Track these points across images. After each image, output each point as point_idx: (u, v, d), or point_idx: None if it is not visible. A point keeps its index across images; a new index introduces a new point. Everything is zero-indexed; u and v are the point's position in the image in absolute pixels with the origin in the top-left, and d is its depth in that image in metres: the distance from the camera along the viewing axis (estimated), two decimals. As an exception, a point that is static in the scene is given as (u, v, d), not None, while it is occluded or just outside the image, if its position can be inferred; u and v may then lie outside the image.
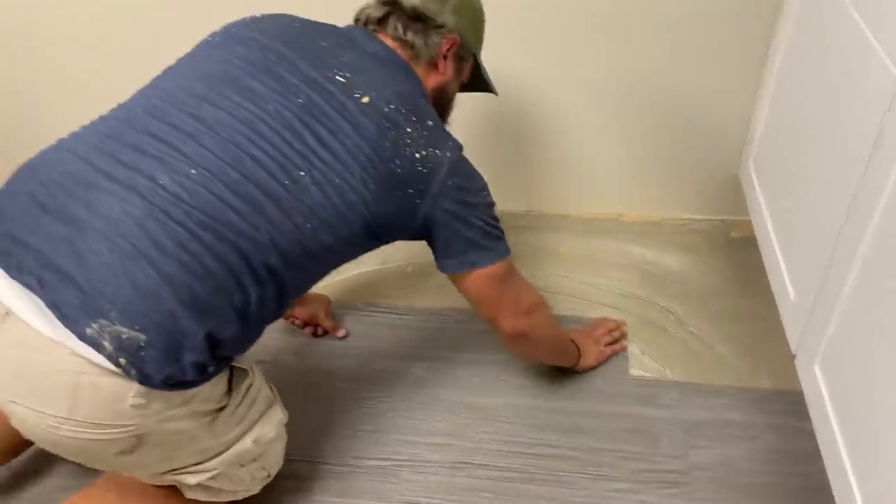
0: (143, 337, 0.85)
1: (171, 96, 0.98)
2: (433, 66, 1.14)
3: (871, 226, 0.92)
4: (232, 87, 0.98)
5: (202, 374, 0.92)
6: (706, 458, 1.24)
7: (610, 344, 1.44)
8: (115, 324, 0.84)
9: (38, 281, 0.85)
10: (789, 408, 1.30)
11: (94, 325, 0.83)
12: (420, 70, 1.13)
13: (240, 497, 1.12)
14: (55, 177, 0.90)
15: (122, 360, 0.85)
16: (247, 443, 1.04)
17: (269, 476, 1.14)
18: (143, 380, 0.86)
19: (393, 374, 1.41)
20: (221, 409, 1.00)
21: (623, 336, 1.46)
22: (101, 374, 0.85)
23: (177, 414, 0.93)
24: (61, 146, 0.95)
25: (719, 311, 1.51)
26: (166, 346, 0.86)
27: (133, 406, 0.88)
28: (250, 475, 1.10)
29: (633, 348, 1.44)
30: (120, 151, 0.92)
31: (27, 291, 0.85)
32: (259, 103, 0.97)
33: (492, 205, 1.13)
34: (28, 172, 0.93)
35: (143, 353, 0.85)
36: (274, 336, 1.48)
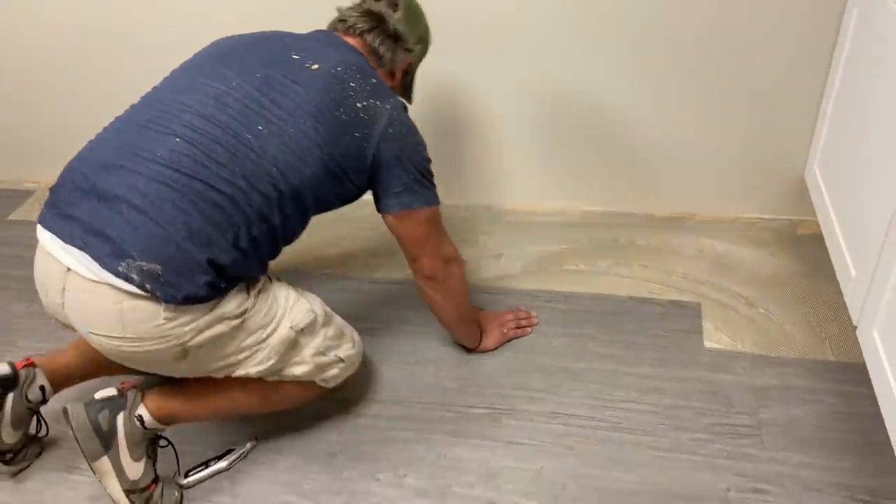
0: (158, 268, 1.11)
1: (165, 93, 1.26)
2: (391, 75, 1.42)
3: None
4: (207, 75, 1.26)
5: (215, 291, 1.16)
6: (774, 416, 1.40)
7: (515, 329, 1.62)
8: (137, 261, 1.10)
9: (83, 243, 1.13)
10: (851, 377, 1.45)
11: (123, 265, 1.10)
12: (380, 73, 1.37)
13: (330, 384, 1.35)
14: (88, 168, 1.19)
15: (148, 286, 1.11)
16: (284, 330, 1.25)
17: (339, 360, 1.34)
18: (168, 299, 1.12)
19: (492, 343, 1.62)
20: (244, 314, 1.21)
21: (530, 325, 1.64)
22: (136, 298, 1.12)
23: (206, 322, 1.17)
24: (90, 146, 1.23)
25: (787, 295, 1.67)
26: (178, 271, 1.12)
27: (166, 319, 1.13)
28: (314, 361, 1.30)
29: (708, 325, 1.61)
30: (130, 142, 1.19)
31: (77, 251, 1.13)
32: (225, 83, 1.23)
33: (428, 159, 1.36)
34: (71, 167, 1.22)
35: (162, 280, 1.11)
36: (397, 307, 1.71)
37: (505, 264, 1.84)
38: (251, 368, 1.25)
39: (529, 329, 1.64)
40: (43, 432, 1.44)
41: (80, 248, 1.13)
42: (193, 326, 1.16)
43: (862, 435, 1.35)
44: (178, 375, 1.26)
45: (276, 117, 1.21)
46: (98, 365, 1.40)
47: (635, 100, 1.80)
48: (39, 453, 1.44)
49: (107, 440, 1.23)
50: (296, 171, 1.22)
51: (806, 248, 1.79)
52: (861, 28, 1.47)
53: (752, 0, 1.60)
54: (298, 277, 1.80)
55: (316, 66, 1.26)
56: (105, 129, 1.26)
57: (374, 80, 1.30)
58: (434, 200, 1.37)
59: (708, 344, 1.56)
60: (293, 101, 1.23)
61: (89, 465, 1.24)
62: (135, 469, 1.26)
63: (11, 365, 1.35)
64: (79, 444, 1.22)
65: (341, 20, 1.39)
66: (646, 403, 1.45)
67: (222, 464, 1.38)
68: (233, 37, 1.36)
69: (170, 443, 1.35)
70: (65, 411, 1.23)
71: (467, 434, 1.41)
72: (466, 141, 1.95)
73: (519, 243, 1.90)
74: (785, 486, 1.28)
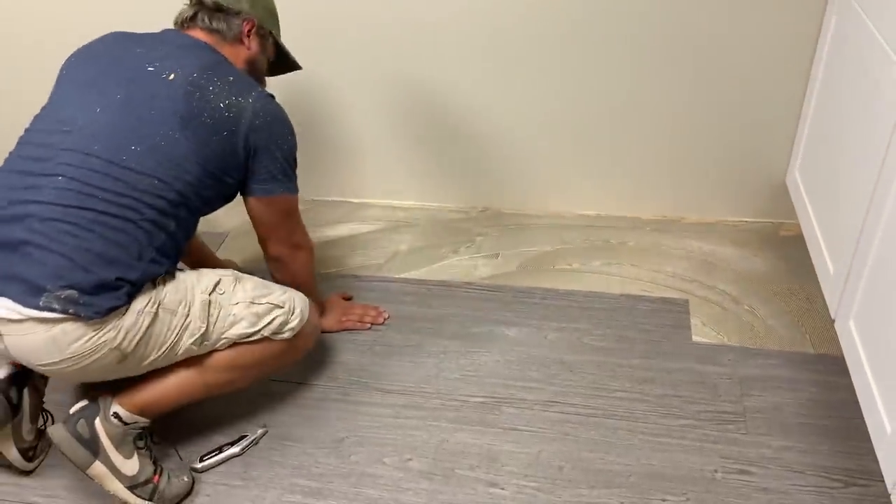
0: (74, 293, 1.19)
1: (39, 136, 1.32)
2: (240, 42, 1.47)
3: (886, 210, 1.20)
4: (74, 107, 1.32)
5: (130, 296, 1.25)
6: (758, 404, 1.48)
7: (355, 322, 1.73)
8: (54, 292, 1.18)
9: (1, 291, 1.20)
10: (830, 368, 1.54)
11: (43, 298, 1.18)
12: (228, 48, 1.44)
13: (286, 335, 1.40)
14: None
15: (70, 310, 1.19)
16: (199, 297, 1.33)
17: (275, 306, 1.39)
18: (93, 316, 1.20)
19: (490, 337, 1.69)
20: (158, 296, 1.29)
21: (375, 323, 1.73)
22: (63, 322, 1.20)
23: (128, 321, 1.24)
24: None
25: (770, 293, 1.76)
26: (93, 293, 1.20)
27: (95, 331, 1.21)
28: (249, 312, 1.36)
29: (695, 321, 1.69)
30: (17, 191, 1.26)
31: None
32: (90, 113, 1.30)
33: (293, 148, 1.45)
34: None
35: (81, 302, 1.19)
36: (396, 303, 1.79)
37: (501, 263, 1.92)
38: (188, 342, 1.32)
39: (369, 325, 1.73)
40: (50, 422, 1.48)
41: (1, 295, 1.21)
42: (119, 330, 1.24)
43: (839, 421, 1.44)
44: (133, 375, 1.33)
45: (145, 134, 1.29)
46: None
47: (624, 109, 1.89)
48: (50, 445, 1.46)
49: (92, 446, 1.28)
50: (177, 180, 1.31)
51: (788, 249, 1.88)
52: (838, 36, 1.57)
53: (735, 8, 1.70)
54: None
55: (172, 76, 1.33)
56: (5, 160, 1.33)
57: (231, 78, 1.38)
58: (294, 190, 1.48)
59: (696, 338, 1.65)
60: (158, 114, 1.30)
61: (85, 473, 1.29)
62: (129, 466, 1.31)
63: (13, 364, 1.37)
64: (68, 458, 1.28)
65: (177, 19, 1.48)
66: (637, 392, 1.53)
67: (235, 449, 1.44)
68: (87, 50, 1.42)
69: (157, 434, 1.40)
70: (48, 433, 1.29)
71: (469, 421, 1.49)
72: (464, 145, 2.04)
73: (515, 244, 1.99)
74: (768, 467, 1.36)
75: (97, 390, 1.36)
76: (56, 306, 1.18)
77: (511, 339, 1.68)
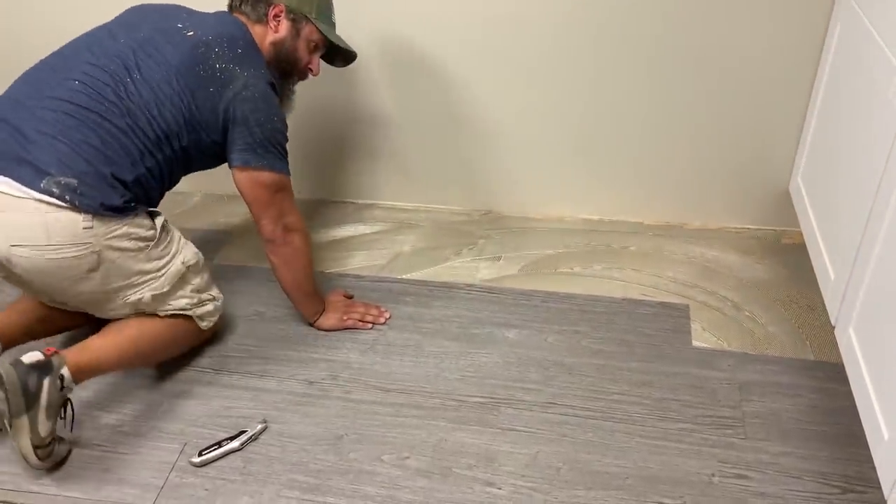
0: (74, 181, 1.34)
1: (71, 48, 1.50)
2: (266, 24, 1.59)
3: (886, 218, 1.20)
4: (106, 35, 1.50)
5: (126, 204, 1.40)
6: (757, 409, 1.48)
7: (357, 321, 1.73)
8: (55, 176, 1.32)
9: (3, 168, 1.34)
10: (830, 374, 1.54)
11: (44, 181, 1.32)
12: (257, 28, 1.58)
13: (204, 322, 1.59)
14: (4, 107, 1.41)
15: (67, 198, 1.33)
16: (177, 264, 1.51)
17: (213, 298, 1.60)
18: (87, 208, 1.34)
19: (490, 338, 1.70)
20: (150, 240, 1.46)
21: (376, 322, 1.74)
22: (59, 209, 1.33)
23: (118, 235, 1.40)
24: (5, 92, 1.45)
25: (771, 299, 1.76)
26: (91, 184, 1.35)
27: (85, 228, 1.35)
28: (195, 295, 1.56)
29: (696, 326, 1.70)
30: (37, 85, 1.44)
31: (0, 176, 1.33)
32: (116, 40, 1.48)
33: (281, 132, 1.53)
34: None
35: (79, 191, 1.34)
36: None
37: (503, 266, 1.93)
38: (147, 292, 1.47)
39: (370, 325, 1.74)
40: (69, 427, 1.48)
41: (2, 173, 1.33)
42: (108, 236, 1.38)
43: (838, 427, 1.44)
44: (80, 298, 1.45)
45: (147, 68, 1.45)
46: (38, 321, 1.58)
47: (629, 115, 1.90)
48: (68, 454, 1.46)
49: (31, 401, 1.31)
50: (161, 116, 1.45)
51: (789, 257, 1.89)
52: (842, 44, 1.58)
53: (740, 16, 1.71)
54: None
55: (191, 34, 1.49)
56: (17, 79, 1.47)
57: (240, 50, 1.50)
58: (278, 167, 1.53)
59: (696, 343, 1.65)
60: (164, 57, 1.46)
61: (8, 420, 1.31)
62: (46, 427, 1.34)
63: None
64: (7, 400, 1.29)
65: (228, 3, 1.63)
66: (636, 396, 1.53)
67: (234, 444, 1.45)
68: (145, 6, 1.60)
69: (72, 404, 1.43)
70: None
71: (467, 421, 1.49)
72: (468, 148, 2.05)
73: (517, 247, 1.99)
74: (766, 472, 1.36)
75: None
76: (55, 191, 1.32)
77: (511, 341, 1.68)
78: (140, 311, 1.51)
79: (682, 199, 2.01)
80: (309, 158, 2.15)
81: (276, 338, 1.71)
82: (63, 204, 1.33)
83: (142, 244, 1.45)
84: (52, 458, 1.40)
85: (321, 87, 2.00)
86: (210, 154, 1.56)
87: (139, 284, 1.47)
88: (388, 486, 1.37)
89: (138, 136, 1.43)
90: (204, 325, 1.60)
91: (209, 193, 2.27)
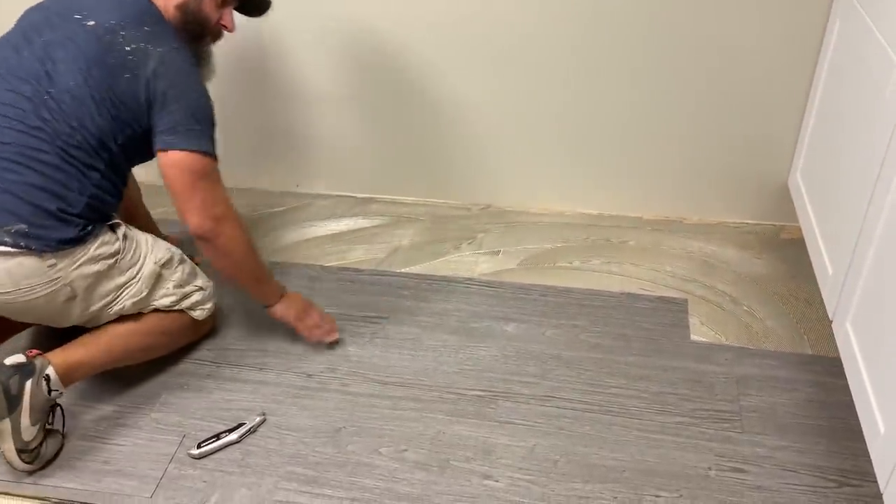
0: (23, 226, 1.30)
1: None
2: (177, 8, 1.46)
3: (884, 213, 1.21)
4: (9, 49, 1.41)
5: (83, 232, 1.37)
6: (754, 403, 1.49)
7: (309, 327, 1.62)
8: (3, 227, 1.29)
9: None
10: (827, 369, 1.54)
11: None
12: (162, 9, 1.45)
13: (196, 313, 1.58)
14: None
15: (22, 244, 1.30)
16: (150, 265, 1.49)
17: (198, 288, 1.58)
18: (44, 249, 1.32)
19: (489, 332, 1.70)
20: (117, 254, 1.43)
21: (324, 336, 1.63)
22: (17, 256, 1.30)
23: (85, 261, 1.38)
24: None
25: (769, 294, 1.76)
26: (42, 224, 1.32)
27: (49, 266, 1.33)
28: (178, 292, 1.54)
29: (694, 320, 1.70)
30: None
31: None
32: (19, 55, 1.39)
33: (203, 108, 1.42)
34: None
35: (31, 235, 1.31)
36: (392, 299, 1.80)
37: (502, 260, 1.93)
38: (127, 301, 1.46)
39: (316, 336, 1.63)
40: (60, 429, 1.47)
41: None
42: (74, 266, 1.37)
43: (835, 421, 1.44)
44: (69, 321, 1.45)
45: (60, 76, 1.37)
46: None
47: (628, 109, 1.90)
48: (55, 456, 1.44)
49: (13, 404, 1.30)
50: (89, 122, 1.37)
51: (788, 252, 1.89)
52: (841, 40, 1.58)
53: (740, 11, 1.71)
54: (308, 270, 1.90)
55: (92, 23, 1.40)
56: None
57: (147, 28, 1.41)
58: (203, 147, 1.39)
59: (694, 337, 1.65)
60: (70, 57, 1.37)
61: None
62: (30, 432, 1.34)
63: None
64: None
65: None
66: (633, 389, 1.53)
67: (233, 437, 1.45)
68: (41, 3, 1.49)
69: (61, 408, 1.45)
70: None
71: (465, 414, 1.50)
72: (467, 142, 2.05)
73: (516, 241, 1.99)
74: (762, 466, 1.36)
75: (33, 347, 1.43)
76: (7, 239, 1.29)
77: (509, 335, 1.69)
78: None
79: (681, 193, 2.01)
80: (307, 152, 2.15)
81: (275, 331, 1.71)
82: (19, 250, 1.30)
83: (110, 261, 1.42)
84: (40, 460, 1.39)
85: (318, 81, 2.01)
86: (149, 143, 1.43)
87: (119, 298, 1.46)
88: (386, 479, 1.37)
89: (74, 156, 1.36)
90: (196, 314, 1.58)
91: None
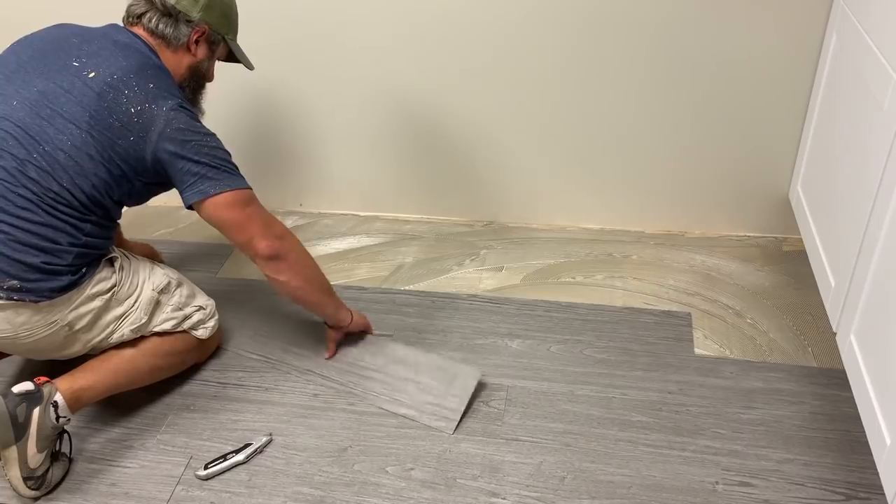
0: (15, 282, 1.30)
1: None
2: (187, 49, 1.48)
3: (885, 224, 1.21)
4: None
5: (77, 277, 1.37)
6: (760, 416, 1.49)
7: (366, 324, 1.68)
8: None
9: None
10: (832, 381, 1.55)
11: None
12: (169, 54, 1.46)
13: (199, 332, 1.59)
14: None
15: (16, 297, 1.31)
16: (148, 293, 1.49)
17: (198, 308, 1.58)
18: (39, 299, 1.33)
19: (493, 348, 1.70)
20: (114, 287, 1.44)
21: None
22: (13, 307, 1.32)
23: (82, 302, 1.39)
24: None
25: (773, 307, 1.77)
26: (33, 279, 1.32)
27: (46, 312, 1.35)
28: (177, 314, 1.54)
29: (698, 333, 1.70)
30: None
31: None
32: (8, 105, 1.34)
33: (219, 149, 1.41)
34: None
35: (24, 289, 1.31)
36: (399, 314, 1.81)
37: (506, 276, 1.93)
38: (127, 329, 1.47)
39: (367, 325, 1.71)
40: (66, 455, 1.47)
41: None
42: (71, 308, 1.38)
43: (841, 434, 1.44)
44: (71, 354, 1.46)
45: (55, 131, 1.33)
46: None
47: (629, 124, 1.91)
48: (60, 482, 1.44)
49: (20, 431, 1.31)
50: (84, 180, 1.35)
51: (790, 264, 1.89)
52: (838, 54, 1.59)
53: (738, 25, 1.72)
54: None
55: (92, 74, 1.36)
56: None
57: (151, 85, 1.38)
58: (237, 184, 1.41)
59: (698, 351, 1.66)
60: (69, 112, 1.34)
61: None
62: (36, 459, 1.34)
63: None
64: None
65: (126, 11, 1.48)
66: (639, 401, 1.53)
67: (239, 457, 1.45)
68: (28, 39, 1.45)
69: (68, 433, 1.45)
70: None
71: (471, 431, 1.50)
72: (470, 159, 2.06)
73: (519, 257, 2.00)
74: (769, 479, 1.36)
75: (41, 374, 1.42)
76: (2, 294, 1.30)
77: (514, 351, 1.69)
78: None
79: (683, 207, 2.02)
80: (310, 171, 2.17)
81: (281, 350, 1.71)
82: (14, 301, 1.31)
83: (107, 296, 1.43)
84: (46, 486, 1.38)
85: (323, 99, 2.02)
86: (147, 193, 1.48)
87: (118, 328, 1.47)
88: (393, 498, 1.37)
89: (64, 212, 1.34)
90: (199, 334, 1.58)
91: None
